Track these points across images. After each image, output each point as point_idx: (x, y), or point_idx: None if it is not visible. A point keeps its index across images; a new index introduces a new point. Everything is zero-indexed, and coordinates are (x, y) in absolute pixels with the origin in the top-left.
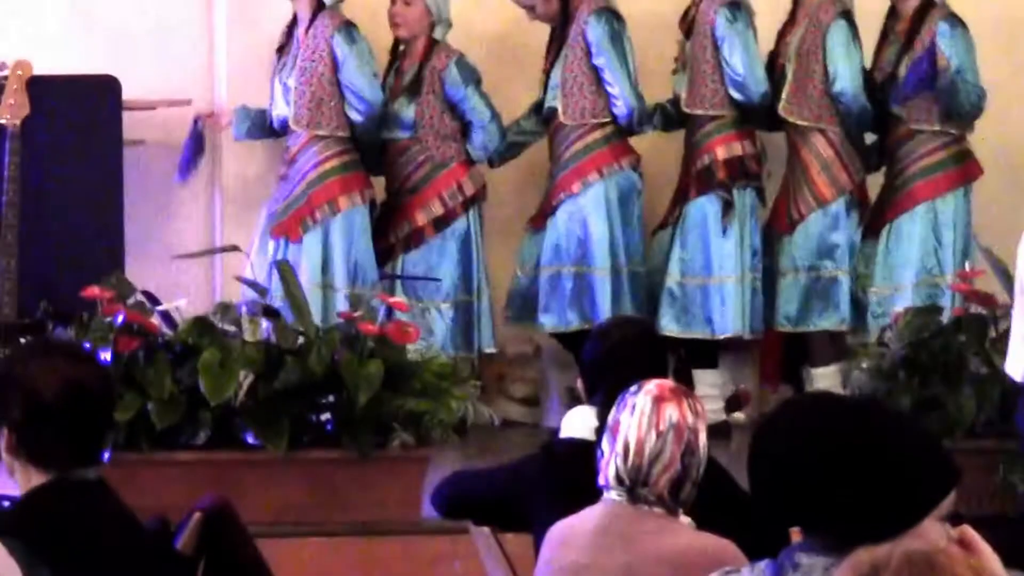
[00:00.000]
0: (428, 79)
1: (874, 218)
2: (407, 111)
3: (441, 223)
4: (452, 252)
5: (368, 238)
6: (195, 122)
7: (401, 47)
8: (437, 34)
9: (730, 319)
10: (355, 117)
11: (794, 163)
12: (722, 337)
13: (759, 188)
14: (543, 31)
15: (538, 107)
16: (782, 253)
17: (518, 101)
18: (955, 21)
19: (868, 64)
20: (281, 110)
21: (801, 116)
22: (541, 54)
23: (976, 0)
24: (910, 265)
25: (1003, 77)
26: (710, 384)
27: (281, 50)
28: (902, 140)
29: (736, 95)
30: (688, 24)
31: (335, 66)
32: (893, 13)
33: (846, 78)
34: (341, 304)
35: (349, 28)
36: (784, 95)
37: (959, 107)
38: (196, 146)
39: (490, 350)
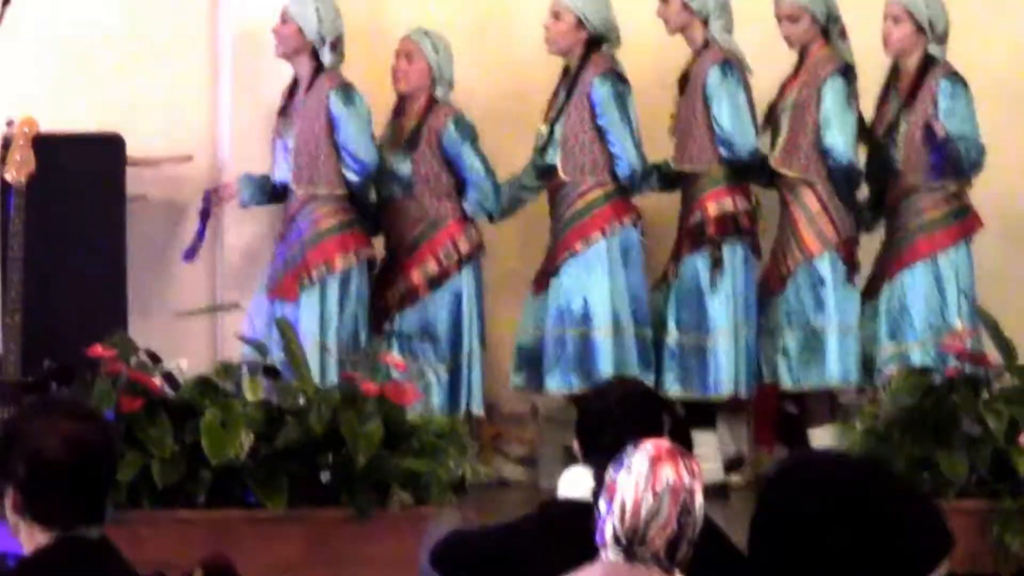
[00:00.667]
0: (426, 136)
1: (876, 275)
2: (404, 167)
3: (435, 281)
4: (446, 310)
5: (364, 298)
6: (205, 200)
7: (402, 104)
8: (438, 93)
9: (724, 379)
10: (350, 177)
11: (784, 219)
12: (717, 398)
13: (752, 243)
14: (542, 92)
15: (536, 163)
16: (774, 310)
17: (517, 160)
18: (956, 78)
19: (869, 118)
20: (282, 172)
21: (791, 168)
22: (540, 114)
23: (975, 56)
24: (915, 321)
25: (1001, 131)
26: (708, 444)
27: (283, 112)
28: (902, 195)
29: (723, 151)
30: (683, 82)
31: (332, 126)
32: (896, 69)
33: (837, 133)
34: (336, 364)
35: (346, 89)
36: (778, 147)
37: (961, 168)
38: (204, 228)
39: (478, 412)
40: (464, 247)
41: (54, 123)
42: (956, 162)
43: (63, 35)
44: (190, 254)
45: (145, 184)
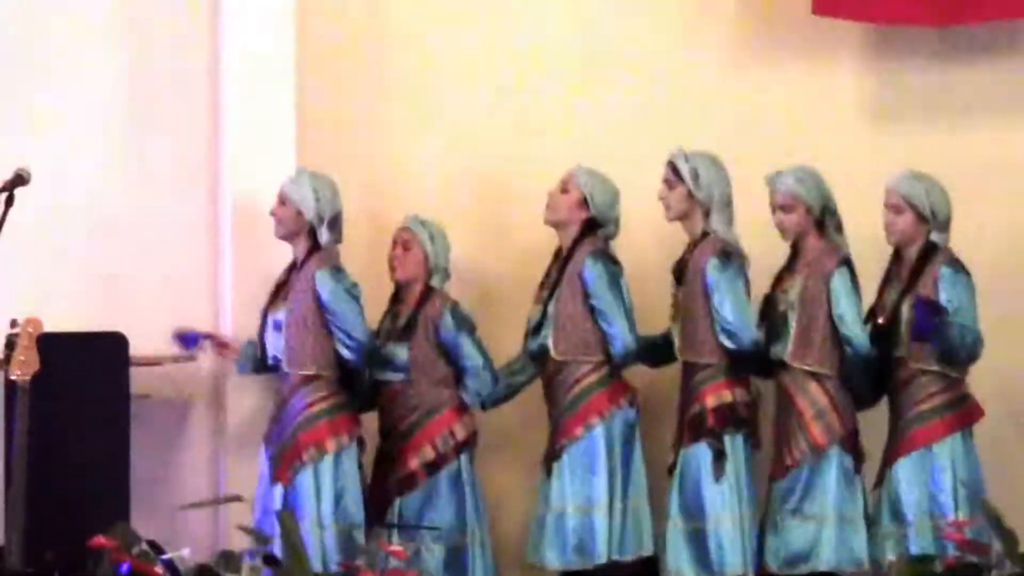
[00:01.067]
0: (422, 324)
1: (883, 464)
2: (401, 354)
3: (433, 468)
4: (444, 496)
5: (356, 479)
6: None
7: (399, 291)
8: (434, 282)
9: (730, 559)
10: (346, 355)
11: (788, 409)
12: None
13: (752, 434)
14: (538, 276)
15: (528, 347)
16: (776, 498)
17: (509, 344)
18: (957, 266)
19: (869, 305)
20: (272, 347)
21: (805, 363)
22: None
23: (974, 244)
24: (910, 510)
25: (1003, 319)
26: None
27: (277, 289)
28: (903, 383)
29: (727, 343)
30: (680, 271)
31: (320, 307)
32: (897, 257)
33: (853, 324)
34: (332, 542)
35: (335, 268)
36: (789, 343)
37: (953, 348)
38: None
39: None
40: (460, 434)
41: (58, 322)
42: (949, 339)
43: (65, 233)
44: (182, 340)
45: (149, 382)
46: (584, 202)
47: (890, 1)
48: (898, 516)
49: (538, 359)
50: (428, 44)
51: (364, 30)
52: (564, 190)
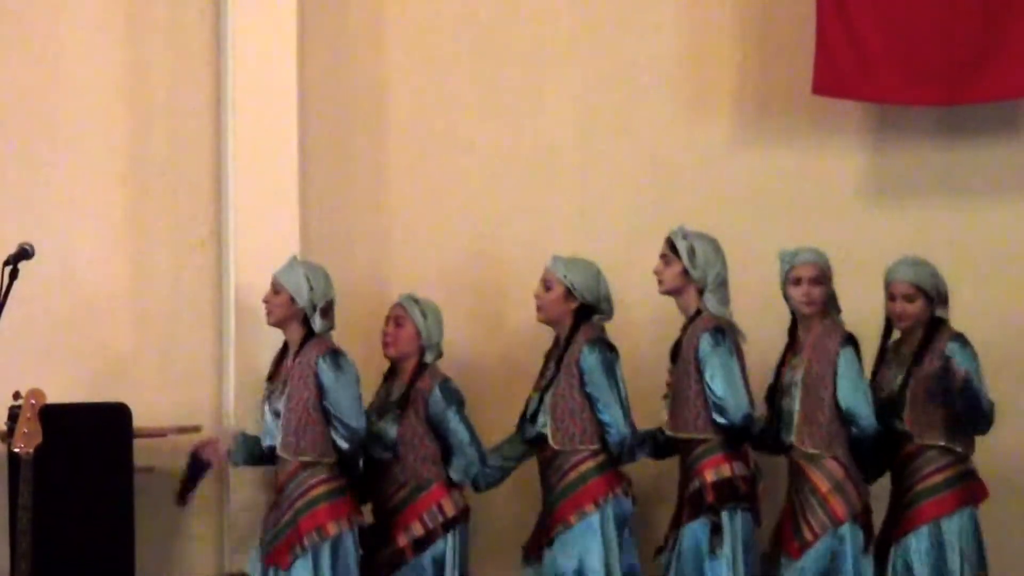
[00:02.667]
0: (413, 400)
1: (883, 537)
2: (391, 431)
3: (421, 545)
4: (431, 573)
5: (355, 563)
6: (193, 455)
7: (394, 367)
8: (427, 358)
9: None
10: (341, 444)
11: (801, 485)
12: None
13: (752, 509)
14: (533, 359)
15: (524, 432)
16: (793, 575)
17: (500, 428)
18: (963, 340)
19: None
20: (271, 437)
21: (813, 444)
22: (530, 381)
23: (976, 324)
24: None
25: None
26: None
27: (271, 378)
28: (908, 458)
29: (718, 418)
30: (676, 350)
31: (320, 393)
32: (887, 332)
33: (862, 404)
34: None
35: (335, 355)
36: (795, 424)
37: (977, 413)
38: (194, 474)
39: None
40: (449, 510)
41: (61, 394)
42: (973, 406)
43: (68, 306)
44: (182, 499)
45: (152, 454)
46: (569, 293)
47: (891, 81)
48: None
49: (534, 445)
50: (428, 125)
51: (366, 110)
52: (547, 288)
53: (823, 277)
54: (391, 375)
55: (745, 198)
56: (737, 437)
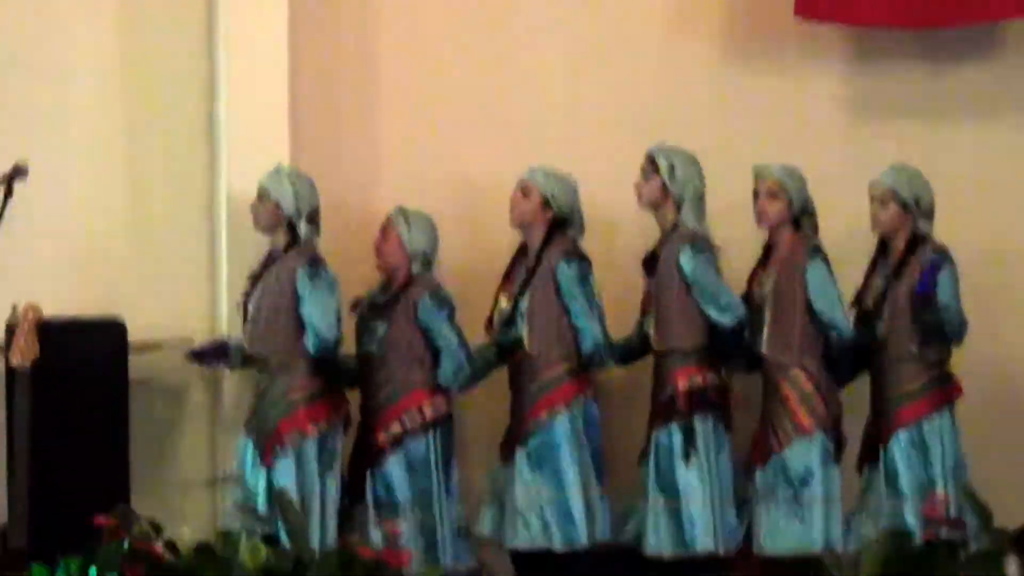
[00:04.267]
0: (403, 304)
1: (865, 446)
2: (379, 329)
3: (398, 442)
4: (407, 473)
5: (337, 462)
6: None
7: (389, 279)
8: (414, 268)
9: (700, 536)
10: (308, 348)
11: (772, 395)
12: (700, 552)
13: (725, 417)
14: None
15: (499, 338)
16: (760, 481)
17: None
18: (943, 254)
19: (856, 288)
20: (246, 337)
21: (782, 354)
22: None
23: (955, 241)
24: (904, 487)
25: (983, 312)
26: None
27: (255, 279)
28: (887, 365)
29: (723, 320)
30: (650, 264)
31: (296, 300)
32: (883, 247)
33: (835, 312)
34: (315, 524)
35: (315, 264)
36: (765, 336)
37: (941, 330)
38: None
39: (458, 567)
40: (429, 413)
41: (57, 309)
42: (938, 327)
43: (64, 221)
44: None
45: (148, 367)
46: (546, 204)
47: (869, 4)
48: (895, 492)
49: (508, 350)
50: (418, 43)
51: (357, 25)
52: (525, 194)
53: (780, 191)
54: (388, 282)
55: (729, 119)
56: (732, 338)
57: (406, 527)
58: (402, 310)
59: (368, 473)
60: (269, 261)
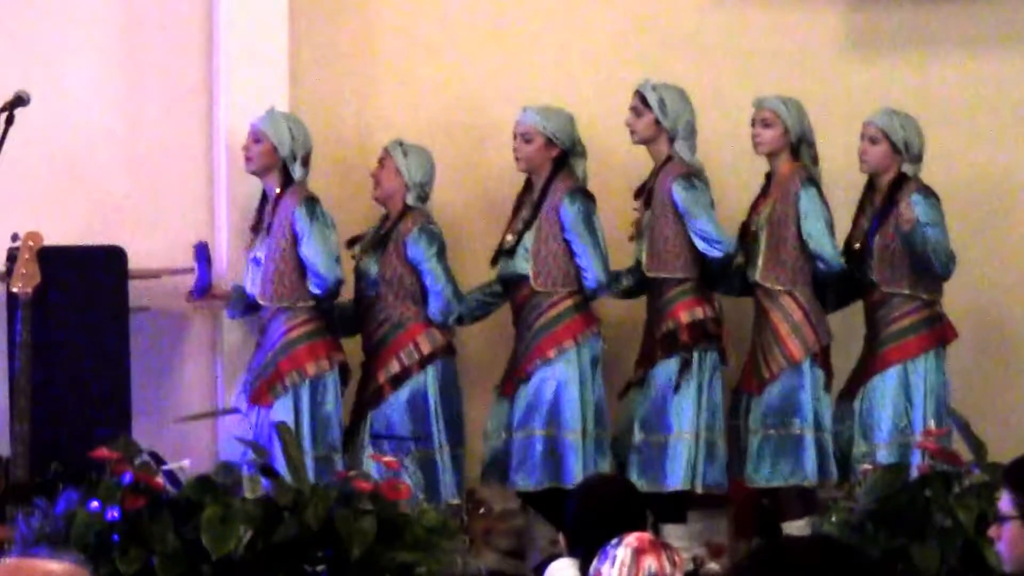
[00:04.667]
0: (394, 240)
1: (853, 379)
2: (371, 269)
3: (398, 380)
4: (408, 409)
5: (336, 402)
6: (200, 248)
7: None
8: (408, 199)
9: (679, 473)
10: (313, 290)
11: (763, 325)
12: (672, 490)
13: (720, 349)
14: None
15: (502, 272)
16: (751, 412)
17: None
18: (927, 192)
19: (847, 231)
20: (253, 286)
21: (777, 281)
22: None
23: (944, 172)
24: (883, 424)
25: (969, 240)
26: (678, 538)
27: (254, 228)
28: (876, 304)
29: (712, 252)
30: (647, 194)
31: (296, 240)
32: (871, 186)
33: (823, 239)
34: (310, 466)
35: (311, 203)
36: (759, 262)
37: (928, 261)
38: (207, 268)
39: (455, 501)
40: (426, 348)
41: (58, 237)
42: (921, 246)
43: (64, 151)
44: (198, 293)
45: (147, 295)
46: (550, 143)
47: None
48: (868, 431)
49: (510, 284)
50: None
51: None
52: (527, 140)
53: (776, 120)
54: (385, 217)
55: (724, 52)
56: (718, 279)
57: (407, 461)
58: (393, 246)
59: (369, 412)
60: (263, 206)
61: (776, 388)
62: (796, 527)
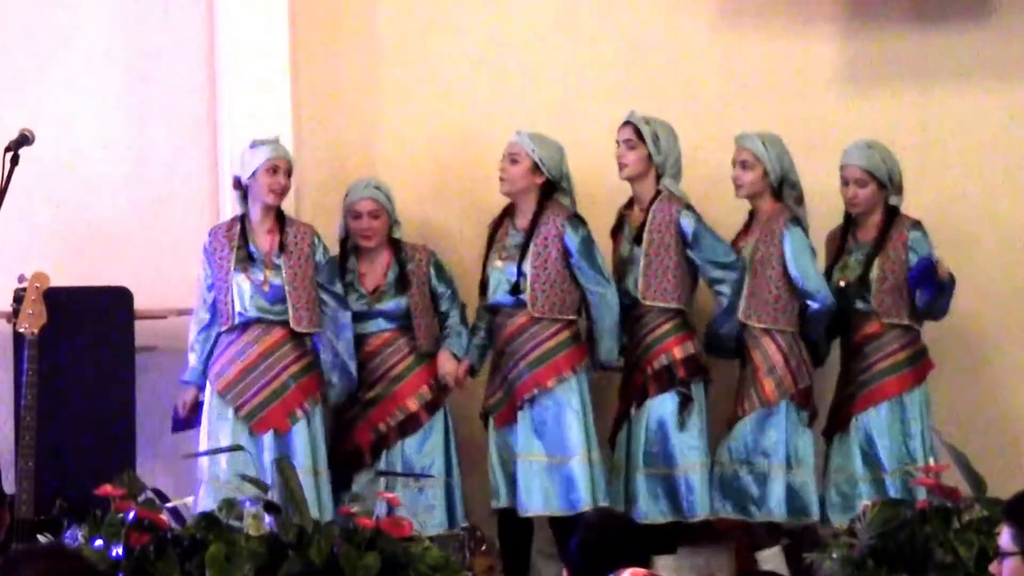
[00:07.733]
0: (416, 275)
1: (842, 413)
2: (398, 303)
3: (432, 407)
4: (441, 434)
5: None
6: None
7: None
8: (395, 233)
9: (699, 502)
10: (340, 319)
11: (746, 362)
12: (693, 520)
13: (709, 382)
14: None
15: (486, 305)
16: (726, 448)
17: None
18: (920, 228)
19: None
20: (244, 305)
21: (758, 319)
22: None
23: (943, 205)
24: (885, 457)
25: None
26: (670, 570)
27: (249, 256)
28: (870, 337)
29: (730, 277)
30: (636, 229)
31: (316, 268)
32: (853, 222)
33: (815, 280)
34: (327, 489)
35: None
36: (742, 303)
37: (946, 303)
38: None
39: (463, 525)
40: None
41: (64, 278)
42: (948, 298)
43: (70, 191)
44: (177, 427)
45: (153, 335)
46: (536, 168)
47: None
48: (873, 464)
49: (498, 311)
50: (418, 9)
51: None
52: (513, 161)
53: (755, 161)
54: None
55: (723, 84)
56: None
57: (406, 497)
58: (416, 280)
59: (399, 440)
60: (243, 230)
61: (746, 426)
62: (769, 556)
